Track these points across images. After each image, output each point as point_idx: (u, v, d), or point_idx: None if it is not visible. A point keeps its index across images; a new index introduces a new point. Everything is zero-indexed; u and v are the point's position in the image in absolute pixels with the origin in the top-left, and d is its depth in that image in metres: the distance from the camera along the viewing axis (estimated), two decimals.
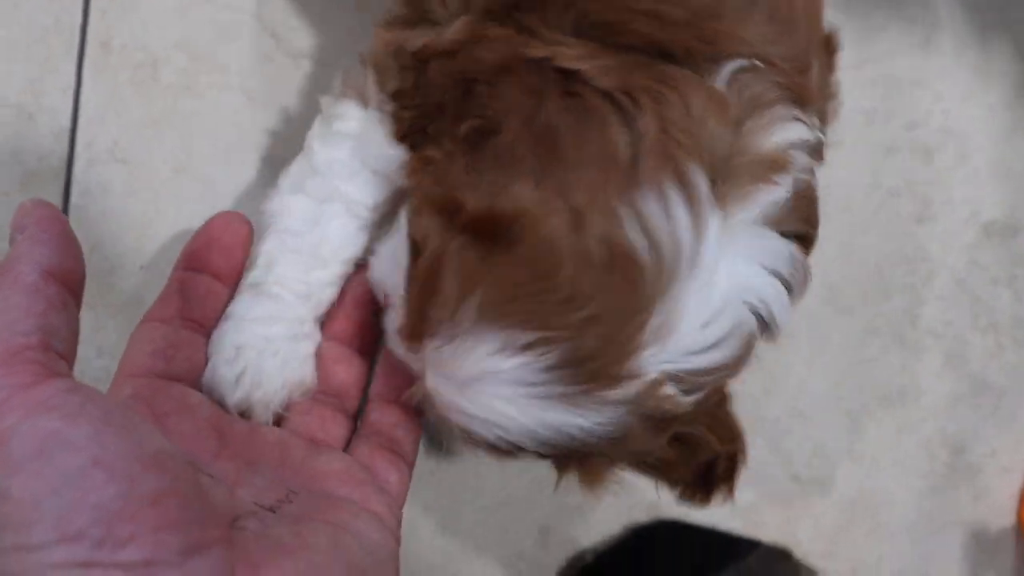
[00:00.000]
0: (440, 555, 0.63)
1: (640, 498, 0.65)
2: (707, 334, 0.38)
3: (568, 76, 0.40)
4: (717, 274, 0.38)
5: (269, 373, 0.45)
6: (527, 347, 0.37)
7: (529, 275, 0.37)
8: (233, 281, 0.48)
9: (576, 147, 0.38)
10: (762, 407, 0.67)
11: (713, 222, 0.38)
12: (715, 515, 0.66)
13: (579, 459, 0.43)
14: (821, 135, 0.43)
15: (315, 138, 0.48)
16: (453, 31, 0.43)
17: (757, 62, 0.41)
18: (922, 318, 0.69)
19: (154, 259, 0.61)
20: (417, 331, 0.40)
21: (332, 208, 0.47)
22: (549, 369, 0.38)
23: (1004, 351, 0.70)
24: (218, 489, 0.37)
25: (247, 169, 0.62)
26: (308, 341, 0.48)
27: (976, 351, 0.69)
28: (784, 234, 0.41)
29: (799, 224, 0.41)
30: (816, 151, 0.43)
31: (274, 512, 0.39)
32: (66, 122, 0.62)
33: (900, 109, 0.69)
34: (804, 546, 0.66)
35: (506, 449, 0.41)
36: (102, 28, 0.62)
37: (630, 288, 0.37)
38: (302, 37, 0.64)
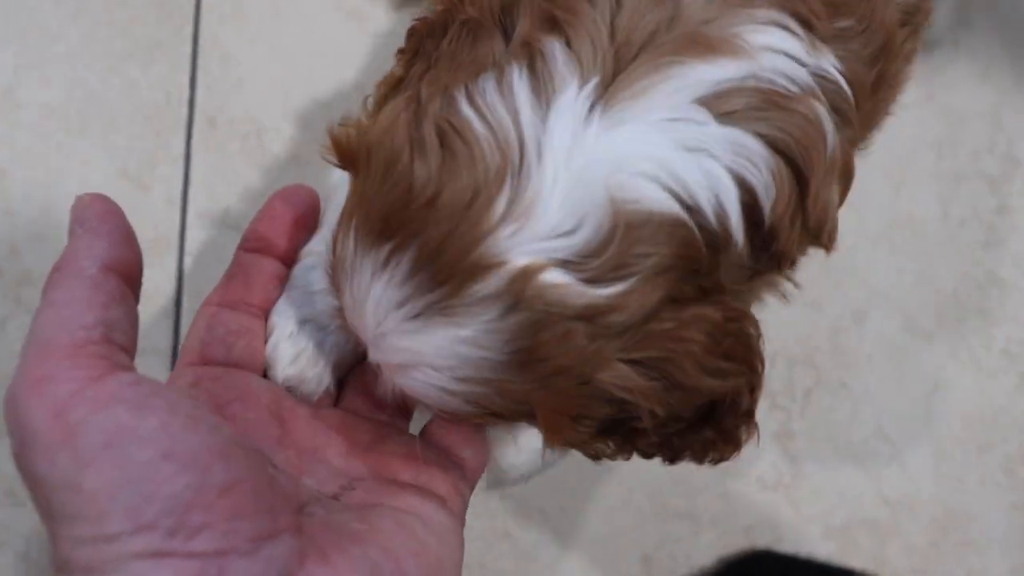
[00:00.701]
0: None
1: (737, 523, 0.68)
2: (568, 212, 0.33)
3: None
4: (587, 146, 0.34)
5: (329, 350, 0.43)
6: (387, 259, 0.34)
7: (380, 180, 0.35)
8: (295, 262, 0.45)
9: (453, 59, 0.36)
10: (850, 431, 0.70)
11: (567, 93, 0.34)
12: (810, 537, 0.68)
13: (537, 404, 0.37)
14: (835, 71, 0.38)
15: None
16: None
17: None
18: (996, 340, 0.71)
19: None
20: (334, 289, 0.37)
21: None
22: (409, 277, 0.34)
23: None
24: (282, 477, 0.37)
25: None
26: None
27: None
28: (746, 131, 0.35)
29: (774, 131, 0.35)
30: (825, 83, 0.37)
31: (338, 500, 0.39)
32: (178, 192, 0.64)
33: (965, 139, 0.72)
34: (895, 564, 0.68)
35: (465, 410, 0.36)
36: (209, 104, 0.65)
37: (468, 166, 0.33)
38: None
